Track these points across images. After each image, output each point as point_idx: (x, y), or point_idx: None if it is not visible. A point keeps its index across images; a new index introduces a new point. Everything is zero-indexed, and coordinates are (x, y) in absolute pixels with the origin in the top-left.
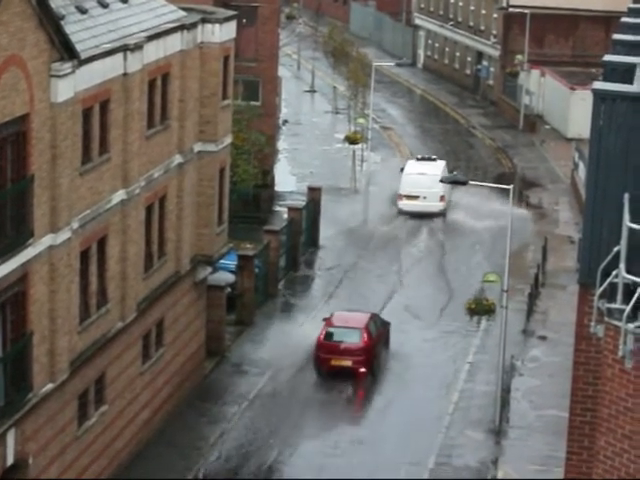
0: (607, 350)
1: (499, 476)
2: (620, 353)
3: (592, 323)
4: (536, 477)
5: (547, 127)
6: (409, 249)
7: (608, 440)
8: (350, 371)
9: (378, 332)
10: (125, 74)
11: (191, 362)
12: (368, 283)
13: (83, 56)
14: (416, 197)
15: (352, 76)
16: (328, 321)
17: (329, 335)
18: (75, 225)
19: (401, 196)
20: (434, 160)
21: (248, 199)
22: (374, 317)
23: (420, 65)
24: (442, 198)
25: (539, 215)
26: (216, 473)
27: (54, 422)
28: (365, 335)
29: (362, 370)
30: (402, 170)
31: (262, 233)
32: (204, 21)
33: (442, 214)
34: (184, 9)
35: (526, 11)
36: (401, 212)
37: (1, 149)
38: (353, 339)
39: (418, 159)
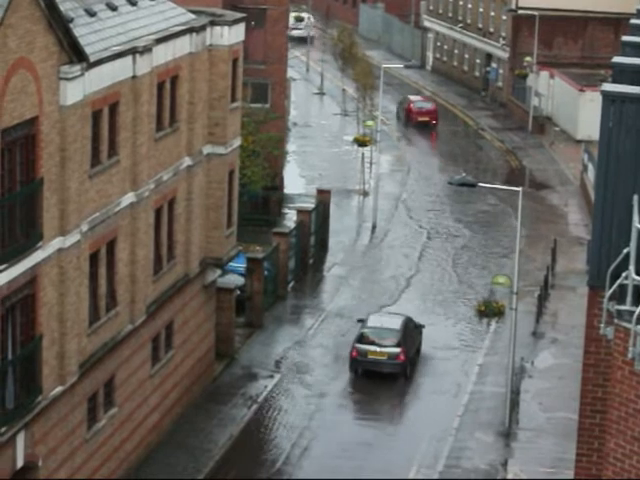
0: (617, 352)
1: (509, 478)
2: (630, 355)
3: (602, 325)
4: (546, 479)
5: (556, 129)
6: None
7: (618, 442)
8: (428, 124)
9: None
10: (134, 77)
11: (200, 364)
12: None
13: (92, 59)
14: None
15: (359, 78)
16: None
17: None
18: (84, 228)
19: None
20: None
21: (257, 201)
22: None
23: (429, 67)
24: None
25: (549, 216)
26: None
27: (63, 425)
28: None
29: (433, 122)
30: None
31: (271, 235)
32: (213, 24)
33: None
34: (193, 12)
35: (535, 13)
36: None
37: (10, 152)
38: (428, 106)
39: None
